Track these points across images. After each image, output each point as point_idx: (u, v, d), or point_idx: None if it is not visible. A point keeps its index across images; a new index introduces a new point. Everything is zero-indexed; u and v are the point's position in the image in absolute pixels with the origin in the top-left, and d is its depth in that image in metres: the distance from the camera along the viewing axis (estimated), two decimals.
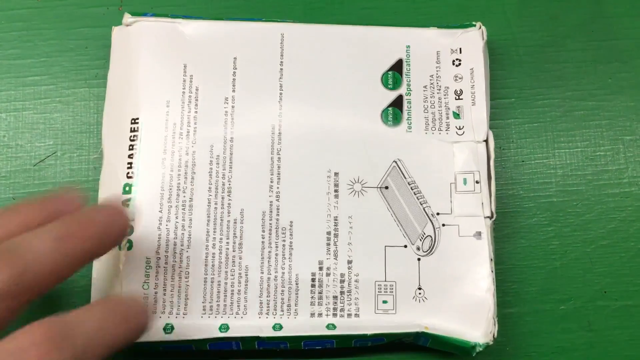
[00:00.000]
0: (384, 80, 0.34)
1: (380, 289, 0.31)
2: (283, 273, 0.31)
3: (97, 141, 0.34)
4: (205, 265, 0.31)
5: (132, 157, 0.32)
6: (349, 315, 0.31)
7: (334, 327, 0.30)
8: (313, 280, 0.31)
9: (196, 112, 0.32)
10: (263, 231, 0.31)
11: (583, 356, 0.34)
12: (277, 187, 0.32)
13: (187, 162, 0.32)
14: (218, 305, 0.31)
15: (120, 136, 0.32)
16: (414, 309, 0.31)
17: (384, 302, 0.31)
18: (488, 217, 0.32)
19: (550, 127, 0.37)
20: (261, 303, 0.31)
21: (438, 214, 0.32)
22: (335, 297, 0.31)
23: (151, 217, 0.31)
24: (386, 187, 0.32)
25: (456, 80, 0.34)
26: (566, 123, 0.37)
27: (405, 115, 0.33)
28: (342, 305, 0.31)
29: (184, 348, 0.30)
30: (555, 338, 0.34)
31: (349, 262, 0.31)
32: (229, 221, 0.31)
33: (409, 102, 0.33)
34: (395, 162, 0.33)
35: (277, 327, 0.30)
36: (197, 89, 0.33)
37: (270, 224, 0.31)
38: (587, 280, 0.35)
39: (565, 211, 0.35)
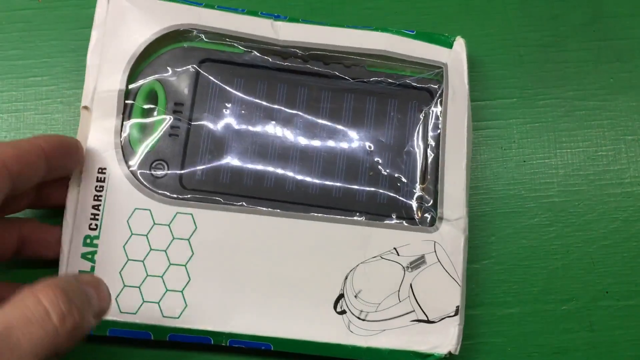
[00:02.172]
0: None
1: None
2: None
3: None
4: None
5: None
6: None
7: None
8: None
9: None
10: None
11: (585, 356, 0.34)
12: None
13: None
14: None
15: None
16: None
17: None
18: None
19: (551, 127, 0.36)
20: None
21: None
22: None
23: None
24: None
25: None
26: (568, 123, 0.37)
27: None
28: None
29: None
30: (556, 338, 0.34)
31: None
32: None
33: None
34: None
35: None
36: None
37: None
38: (589, 280, 0.35)
39: (567, 211, 0.35)
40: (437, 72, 0.34)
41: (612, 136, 0.36)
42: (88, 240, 0.31)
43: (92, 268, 0.30)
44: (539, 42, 0.37)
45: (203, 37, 0.33)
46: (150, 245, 0.31)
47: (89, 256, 0.30)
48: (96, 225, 0.31)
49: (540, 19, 0.38)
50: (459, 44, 0.34)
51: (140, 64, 0.33)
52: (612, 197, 0.36)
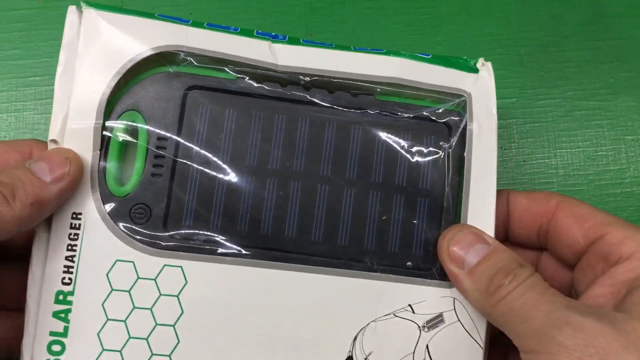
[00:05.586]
0: None
1: None
2: None
3: None
4: None
5: None
6: None
7: None
8: None
9: None
10: None
11: None
12: None
13: None
14: None
15: None
16: None
17: None
18: None
19: (551, 127, 0.36)
20: None
21: None
22: None
23: None
24: None
25: None
26: (567, 123, 0.37)
27: None
28: None
29: None
30: None
31: None
32: None
33: None
34: None
35: None
36: None
37: None
38: None
39: None
40: (458, 103, 0.30)
41: (612, 136, 0.36)
42: (61, 297, 0.27)
43: (66, 329, 0.26)
44: (539, 42, 0.37)
45: (192, 60, 0.29)
46: (133, 303, 0.27)
47: (62, 315, 0.27)
48: (70, 279, 0.27)
49: (540, 19, 0.38)
50: (487, 68, 0.30)
51: (118, 91, 0.28)
52: (612, 197, 0.36)
